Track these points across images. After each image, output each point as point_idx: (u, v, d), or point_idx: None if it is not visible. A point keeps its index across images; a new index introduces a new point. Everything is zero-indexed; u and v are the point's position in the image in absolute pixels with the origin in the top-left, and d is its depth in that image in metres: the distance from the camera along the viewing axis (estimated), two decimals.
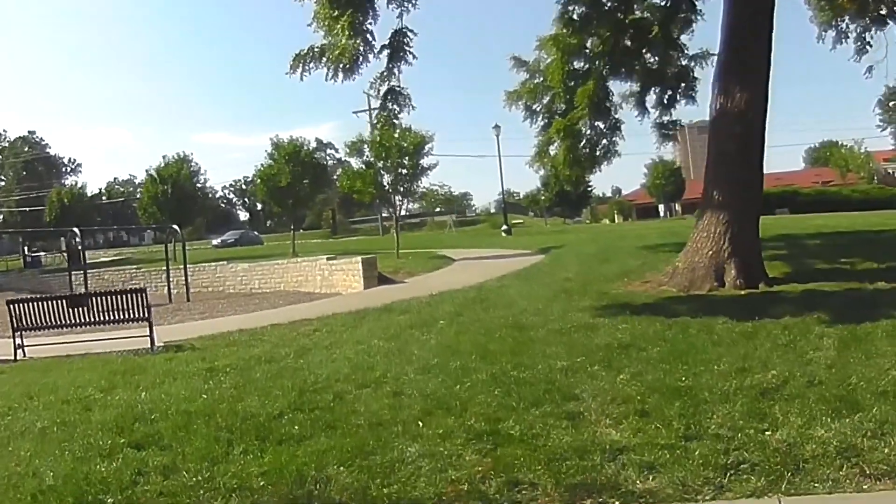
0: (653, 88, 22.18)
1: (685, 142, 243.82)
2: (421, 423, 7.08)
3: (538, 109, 23.45)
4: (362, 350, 11.30)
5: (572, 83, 21.49)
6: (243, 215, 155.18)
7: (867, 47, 19.79)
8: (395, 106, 15.25)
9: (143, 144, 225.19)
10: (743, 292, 14.15)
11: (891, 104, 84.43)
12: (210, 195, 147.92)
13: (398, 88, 15.22)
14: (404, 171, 31.50)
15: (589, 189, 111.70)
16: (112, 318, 14.54)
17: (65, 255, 33.81)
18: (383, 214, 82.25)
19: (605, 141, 22.97)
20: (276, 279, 29.01)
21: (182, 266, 29.83)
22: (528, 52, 24.16)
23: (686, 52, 21.05)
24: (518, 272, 22.10)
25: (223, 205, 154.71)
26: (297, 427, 7.22)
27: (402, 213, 34.50)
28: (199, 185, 56.57)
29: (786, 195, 67.22)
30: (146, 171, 53.67)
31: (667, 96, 22.12)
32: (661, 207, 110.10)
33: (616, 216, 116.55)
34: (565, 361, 9.25)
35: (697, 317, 11.61)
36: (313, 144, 55.94)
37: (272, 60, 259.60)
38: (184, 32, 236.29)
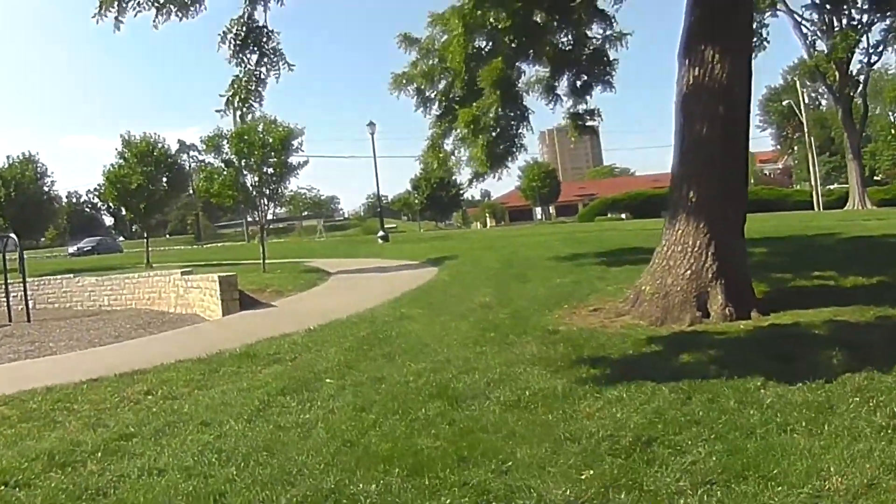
0: (565, 73, 19.09)
1: (552, 143, 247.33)
2: None
3: (433, 96, 19.85)
4: (208, 448, 6.93)
5: (474, 64, 18.11)
6: (109, 220, 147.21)
7: (765, 43, 17.00)
8: (259, 58, 10.83)
9: (13, 148, 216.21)
10: (742, 325, 10.48)
11: (783, 102, 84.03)
12: (74, 199, 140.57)
13: (266, 29, 10.87)
14: (270, 170, 27.00)
15: (461, 192, 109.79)
16: None
17: None
18: (248, 219, 77.38)
19: (511, 132, 19.63)
20: (127, 295, 24.87)
21: (29, 280, 25.27)
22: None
23: (616, 23, 17.96)
24: (414, 292, 17.96)
25: (88, 209, 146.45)
26: None
27: (269, 216, 30.10)
28: (46, 189, 50.84)
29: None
30: None
31: (580, 82, 19.09)
32: (538, 210, 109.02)
33: (488, 219, 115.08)
34: (563, 486, 5.34)
35: (716, 374, 7.80)
36: (175, 146, 51.10)
37: (138, 61, 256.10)
38: (50, 33, 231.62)
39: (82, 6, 10.50)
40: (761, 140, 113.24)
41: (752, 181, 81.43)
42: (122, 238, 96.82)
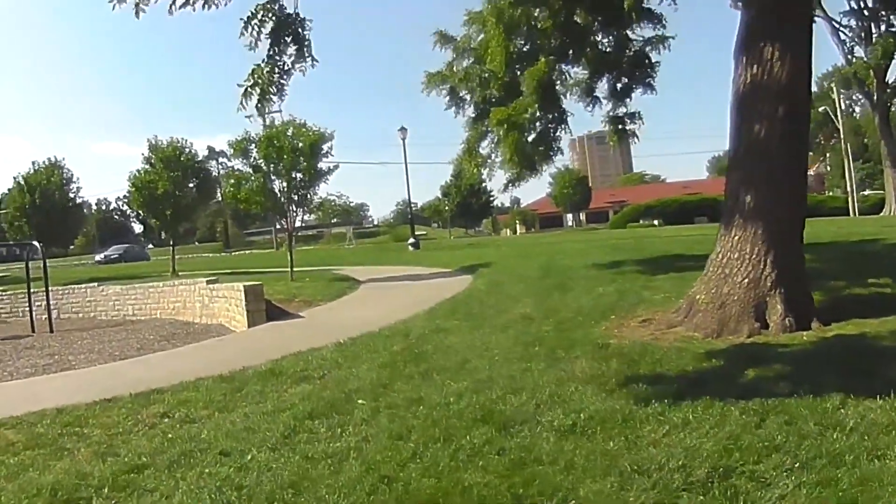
0: (605, 76, 18.80)
1: (583, 151, 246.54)
2: None
3: (468, 97, 19.32)
4: (228, 483, 6.24)
5: (512, 66, 17.74)
6: (138, 227, 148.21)
7: None
8: (287, 46, 10.08)
9: (43, 154, 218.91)
10: (804, 337, 9.76)
11: (819, 109, 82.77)
12: (104, 206, 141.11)
13: (295, 17, 10.12)
14: (299, 175, 26.37)
15: (491, 198, 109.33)
16: None
17: None
18: (277, 227, 77.07)
19: (549, 136, 19.09)
20: (151, 304, 24.48)
21: (54, 288, 25.35)
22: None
23: (665, 22, 17.51)
24: (449, 302, 17.24)
25: (117, 216, 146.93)
26: None
27: (298, 223, 29.54)
28: (72, 195, 50.48)
29: (704, 203, 65.40)
30: (13, 178, 47.15)
31: (620, 84, 18.73)
32: (570, 217, 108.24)
33: (519, 226, 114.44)
34: None
35: (788, 392, 7.06)
36: (203, 152, 50.77)
37: (171, 66, 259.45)
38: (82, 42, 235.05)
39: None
40: None
41: None
42: (151, 245, 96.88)
